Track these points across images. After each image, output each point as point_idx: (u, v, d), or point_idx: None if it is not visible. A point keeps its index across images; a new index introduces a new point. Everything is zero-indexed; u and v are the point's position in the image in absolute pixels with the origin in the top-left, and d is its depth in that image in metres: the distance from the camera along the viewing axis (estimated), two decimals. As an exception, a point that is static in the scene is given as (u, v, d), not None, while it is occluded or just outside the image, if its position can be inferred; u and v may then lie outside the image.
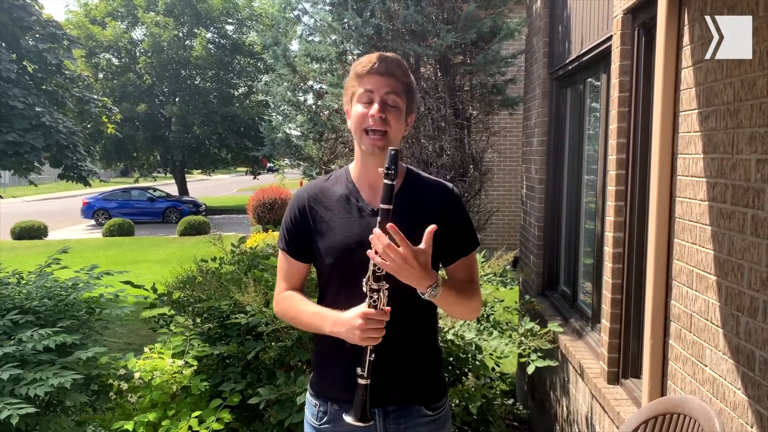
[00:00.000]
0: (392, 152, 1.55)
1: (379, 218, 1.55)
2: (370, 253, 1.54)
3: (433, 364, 1.81)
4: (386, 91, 1.67)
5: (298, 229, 1.78)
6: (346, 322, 1.61)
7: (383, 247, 1.51)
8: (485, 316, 3.60)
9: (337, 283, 1.75)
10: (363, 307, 1.59)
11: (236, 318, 3.17)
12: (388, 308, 1.59)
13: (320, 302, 1.80)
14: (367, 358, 1.61)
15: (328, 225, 1.74)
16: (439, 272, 1.78)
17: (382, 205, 1.56)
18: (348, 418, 1.65)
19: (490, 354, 3.40)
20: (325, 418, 1.77)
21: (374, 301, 1.58)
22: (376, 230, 1.53)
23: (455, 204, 1.78)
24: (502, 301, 3.78)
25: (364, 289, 1.59)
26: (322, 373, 1.80)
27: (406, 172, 1.80)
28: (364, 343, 1.59)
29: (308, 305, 1.75)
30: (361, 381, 1.63)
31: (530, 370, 3.26)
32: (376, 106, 1.66)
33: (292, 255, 1.81)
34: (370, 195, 1.75)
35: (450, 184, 1.82)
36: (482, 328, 3.49)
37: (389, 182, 1.55)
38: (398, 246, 1.50)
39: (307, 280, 1.93)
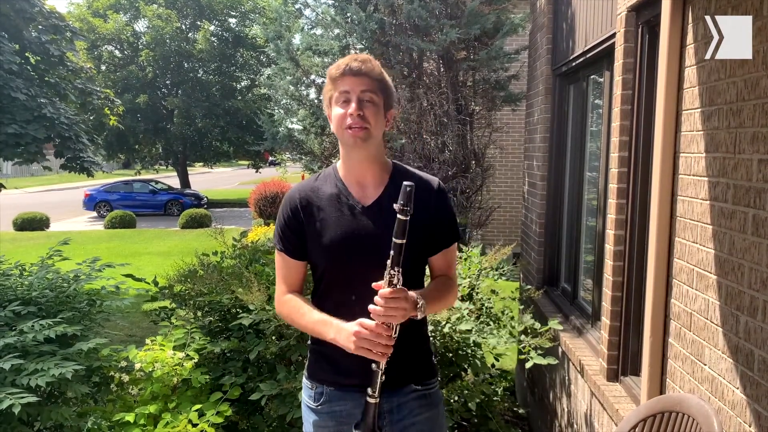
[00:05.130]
0: (407, 188, 1.58)
1: (392, 252, 1.61)
2: (371, 309, 1.62)
3: (421, 350, 1.88)
4: (362, 90, 1.73)
5: (292, 229, 1.83)
6: (345, 330, 1.67)
7: (387, 301, 1.60)
8: (484, 309, 3.60)
9: (331, 278, 1.81)
10: (365, 319, 1.65)
11: (240, 317, 3.18)
12: (394, 336, 1.64)
13: (314, 295, 1.87)
14: (378, 380, 1.67)
15: (321, 223, 1.79)
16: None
17: (395, 240, 1.60)
18: None
19: (490, 351, 3.41)
20: (322, 399, 1.84)
21: (388, 325, 1.64)
22: (383, 291, 1.61)
23: (441, 197, 1.85)
24: (497, 293, 3.78)
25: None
26: (319, 359, 1.87)
27: (393, 167, 1.86)
28: (356, 352, 1.64)
29: (312, 312, 1.80)
30: (370, 400, 1.69)
31: (528, 365, 3.28)
32: (353, 105, 1.72)
33: (290, 254, 1.86)
34: (359, 192, 1.81)
35: (436, 179, 1.88)
36: (480, 323, 3.49)
37: (403, 218, 1.59)
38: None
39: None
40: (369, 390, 1.69)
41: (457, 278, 2.02)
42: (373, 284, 1.63)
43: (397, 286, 1.62)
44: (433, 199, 1.82)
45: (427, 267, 1.93)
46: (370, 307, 1.62)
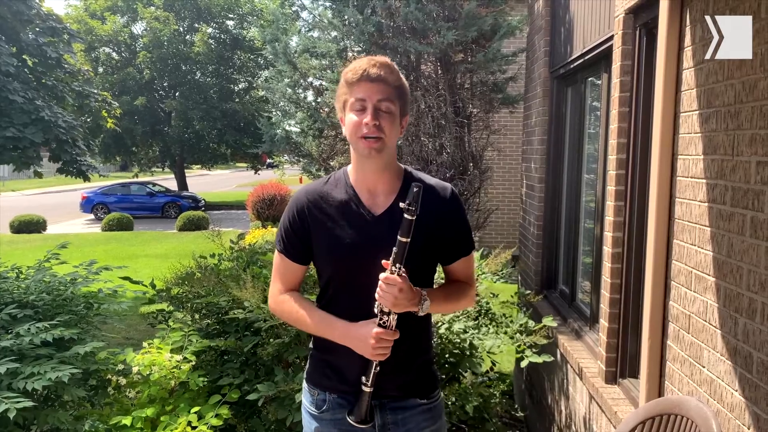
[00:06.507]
0: (415, 189, 1.59)
1: (395, 249, 1.61)
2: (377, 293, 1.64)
3: (426, 362, 1.87)
4: (378, 99, 1.66)
5: (296, 233, 1.79)
6: (359, 337, 1.68)
7: (380, 285, 1.61)
8: (484, 311, 3.60)
9: (339, 286, 1.78)
10: (373, 324, 1.67)
11: (235, 313, 3.17)
12: (397, 332, 1.67)
13: (320, 300, 1.84)
14: (373, 370, 1.70)
15: (330, 231, 1.75)
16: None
17: (400, 238, 1.61)
18: (350, 419, 1.74)
19: (487, 352, 3.40)
20: (324, 406, 1.82)
21: (384, 323, 1.66)
22: (384, 275, 1.63)
23: (455, 205, 1.81)
24: (497, 295, 3.77)
25: (375, 310, 1.67)
26: (321, 366, 1.85)
27: (405, 173, 1.80)
28: (375, 358, 1.68)
29: (313, 311, 1.79)
30: (365, 389, 1.72)
31: (524, 364, 3.29)
32: (369, 115, 1.65)
33: (291, 258, 1.82)
34: (370, 200, 1.77)
35: (449, 185, 1.84)
36: (479, 323, 3.49)
37: (409, 217, 1.60)
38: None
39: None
40: (363, 378, 1.71)
41: (476, 284, 2.02)
42: (383, 261, 1.64)
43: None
44: (448, 206, 1.78)
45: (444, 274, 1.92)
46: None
